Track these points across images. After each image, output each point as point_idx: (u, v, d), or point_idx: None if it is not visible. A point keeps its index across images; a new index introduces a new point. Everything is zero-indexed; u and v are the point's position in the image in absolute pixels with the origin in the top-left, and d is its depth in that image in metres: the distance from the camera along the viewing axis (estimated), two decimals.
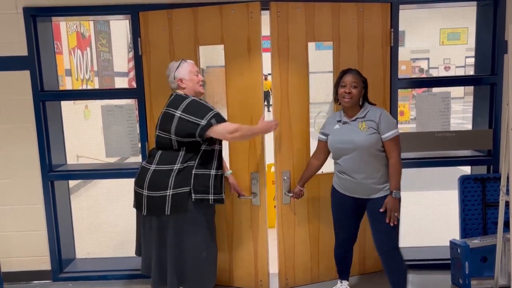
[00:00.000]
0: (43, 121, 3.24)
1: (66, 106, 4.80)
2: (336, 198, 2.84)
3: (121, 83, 8.94)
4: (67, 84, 6.44)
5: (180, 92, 2.61)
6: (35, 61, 3.18)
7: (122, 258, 3.66)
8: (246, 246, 3.16)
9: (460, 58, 19.59)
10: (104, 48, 8.05)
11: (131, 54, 3.38)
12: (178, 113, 2.48)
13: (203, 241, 2.55)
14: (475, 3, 3.35)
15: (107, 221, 4.77)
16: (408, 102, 12.68)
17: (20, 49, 3.16)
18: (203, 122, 2.44)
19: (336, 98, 2.74)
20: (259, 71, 2.96)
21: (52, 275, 3.40)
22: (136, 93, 3.18)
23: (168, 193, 2.45)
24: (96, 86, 7.63)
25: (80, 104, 6.68)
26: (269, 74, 3.23)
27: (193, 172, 2.49)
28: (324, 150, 2.85)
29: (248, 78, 2.97)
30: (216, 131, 2.47)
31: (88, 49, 7.29)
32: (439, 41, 20.98)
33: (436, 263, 3.36)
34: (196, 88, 2.62)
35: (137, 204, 2.58)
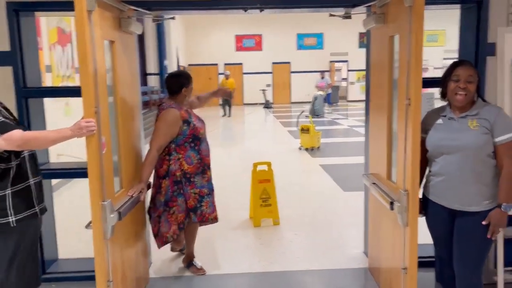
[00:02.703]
0: (25, 118, 3.16)
1: (46, 102, 4.69)
2: (427, 209, 2.52)
3: None
4: (47, 80, 6.31)
5: None
6: (18, 56, 3.10)
7: None
8: None
9: (438, 59, 20.00)
10: None
11: None
12: None
13: None
14: (458, 6, 3.42)
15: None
16: None
17: (2, 44, 3.07)
18: None
19: (444, 93, 2.42)
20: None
21: None
22: None
23: None
24: (77, 83, 7.48)
25: (61, 101, 6.54)
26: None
27: None
28: (425, 150, 2.46)
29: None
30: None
31: (69, 45, 7.14)
32: None
33: (420, 261, 3.41)
34: None
35: None
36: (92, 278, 3.31)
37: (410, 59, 2.36)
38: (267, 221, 4.65)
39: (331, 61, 22.87)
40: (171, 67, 17.23)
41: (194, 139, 3.26)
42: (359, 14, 3.34)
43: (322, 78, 17.29)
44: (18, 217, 2.27)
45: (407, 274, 2.57)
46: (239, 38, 22.36)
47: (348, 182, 6.29)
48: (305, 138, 9.00)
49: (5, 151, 2.21)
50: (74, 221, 4.44)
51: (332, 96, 20.05)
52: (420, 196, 2.52)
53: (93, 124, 2.27)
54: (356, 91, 23.05)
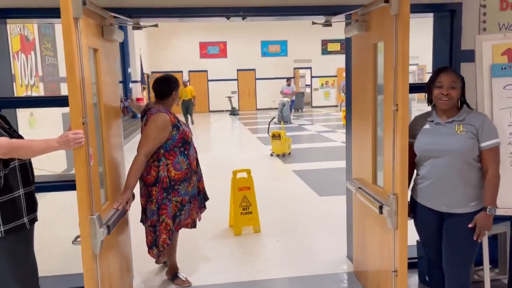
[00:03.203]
0: None
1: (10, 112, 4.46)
2: (416, 212, 2.59)
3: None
4: None
5: None
6: None
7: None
8: None
9: None
10: (49, 52, 7.62)
11: None
12: None
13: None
14: (431, 14, 3.55)
15: (61, 235, 4.48)
16: None
17: None
18: None
19: (430, 99, 2.51)
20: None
21: None
22: None
23: None
24: (42, 93, 7.20)
25: (25, 111, 6.26)
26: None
27: None
28: (412, 155, 2.53)
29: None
30: None
31: (33, 53, 6.87)
32: None
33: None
34: None
35: None
36: None
37: (397, 66, 2.42)
38: (247, 229, 4.62)
39: (295, 68, 23.18)
40: (135, 75, 16.90)
41: (184, 144, 3.21)
42: (339, 22, 3.40)
43: (289, 85, 17.43)
44: (6, 228, 2.19)
45: (397, 277, 2.61)
46: (203, 45, 22.27)
47: (323, 187, 6.37)
48: (277, 144, 9.06)
49: None
50: (47, 236, 4.26)
51: (298, 103, 20.27)
52: (408, 199, 2.58)
53: (81, 136, 2.18)
54: (320, 97, 23.47)
